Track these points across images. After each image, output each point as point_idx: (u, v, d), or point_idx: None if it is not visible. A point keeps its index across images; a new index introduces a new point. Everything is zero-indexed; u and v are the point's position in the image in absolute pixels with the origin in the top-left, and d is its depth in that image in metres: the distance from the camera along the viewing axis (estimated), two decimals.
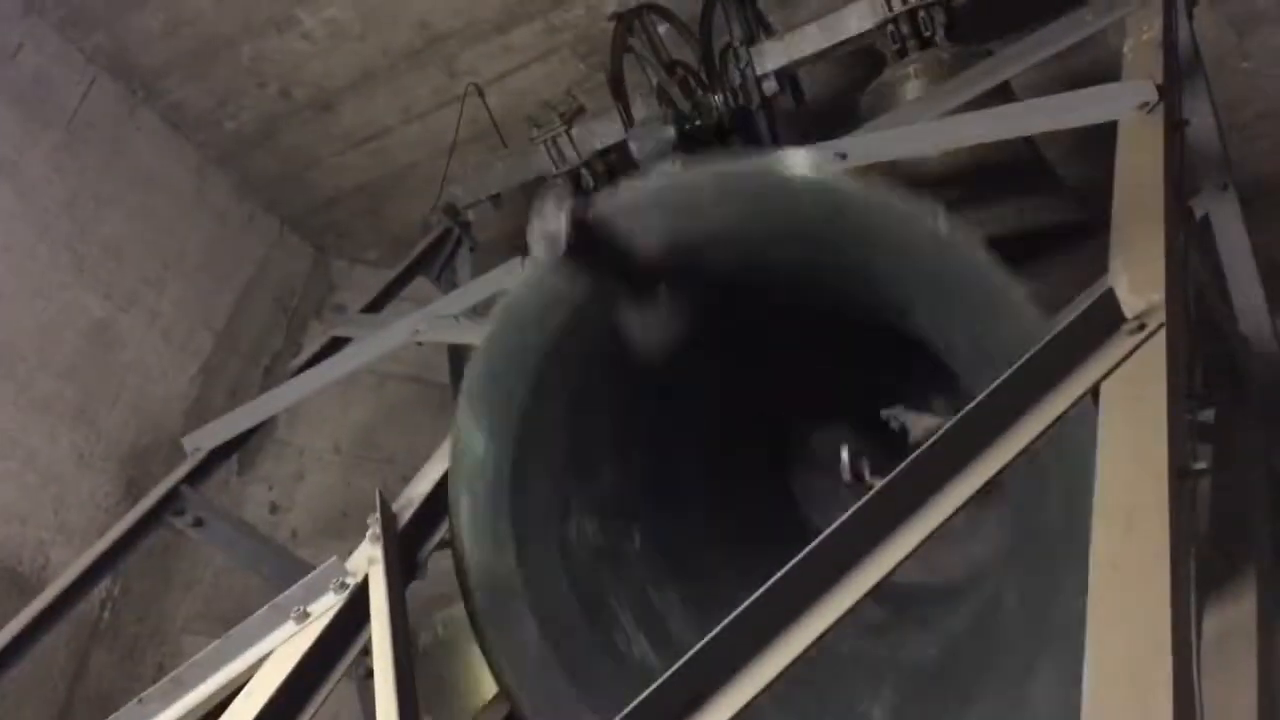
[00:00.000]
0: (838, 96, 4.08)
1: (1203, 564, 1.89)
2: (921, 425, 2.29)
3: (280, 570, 2.97)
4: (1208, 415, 2.56)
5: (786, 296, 2.14)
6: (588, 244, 1.84)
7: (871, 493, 1.44)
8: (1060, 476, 1.71)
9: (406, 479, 2.58)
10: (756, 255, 2.03)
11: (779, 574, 1.41)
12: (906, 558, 1.46)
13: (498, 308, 2.16)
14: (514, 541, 2.17)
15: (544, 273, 2.05)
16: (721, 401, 2.47)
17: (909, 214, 1.84)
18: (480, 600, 2.14)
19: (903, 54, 3.23)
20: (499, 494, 2.16)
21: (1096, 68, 3.37)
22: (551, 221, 1.85)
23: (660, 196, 2.05)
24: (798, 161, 1.96)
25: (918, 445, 2.25)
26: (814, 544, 1.41)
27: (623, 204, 2.04)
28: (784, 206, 1.97)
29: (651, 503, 2.38)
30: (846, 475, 2.29)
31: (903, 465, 1.46)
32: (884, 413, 2.31)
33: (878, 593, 1.44)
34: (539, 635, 2.14)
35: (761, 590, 1.40)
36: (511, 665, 2.13)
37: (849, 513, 1.45)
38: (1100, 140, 2.18)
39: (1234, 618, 1.81)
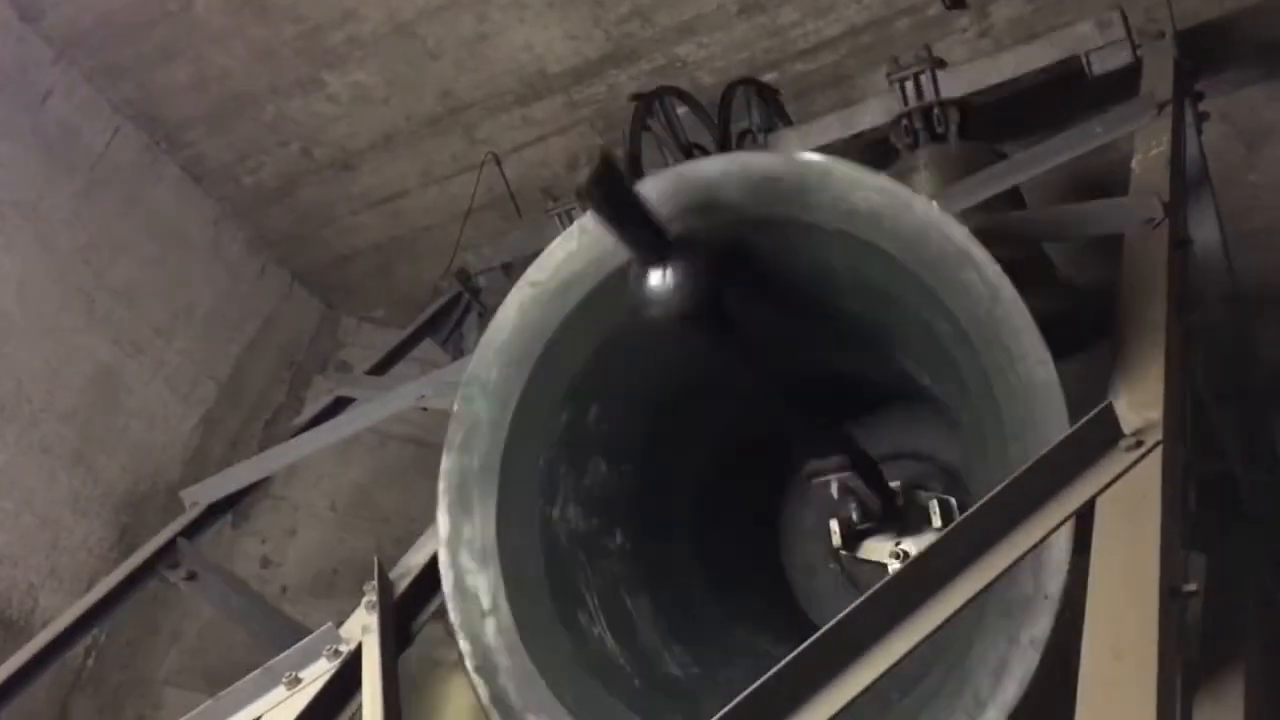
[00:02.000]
0: None
1: (1190, 681, 1.89)
2: (917, 500, 2.30)
3: (270, 629, 2.96)
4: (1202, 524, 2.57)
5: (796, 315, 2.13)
6: (607, 197, 1.78)
7: (865, 596, 1.45)
8: None
9: (401, 541, 2.58)
10: (774, 258, 2.01)
11: (780, 664, 1.41)
12: (898, 662, 1.46)
13: (524, 276, 2.14)
14: (497, 508, 2.14)
15: (568, 249, 2.05)
16: (721, 429, 2.47)
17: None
18: (454, 564, 2.09)
19: (914, 147, 3.29)
20: (491, 458, 2.13)
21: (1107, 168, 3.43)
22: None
23: (678, 182, 2.02)
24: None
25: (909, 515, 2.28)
26: (808, 643, 1.41)
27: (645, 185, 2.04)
28: (799, 198, 1.95)
29: (638, 508, 2.37)
30: (836, 540, 2.30)
31: (899, 570, 1.48)
32: (892, 484, 2.31)
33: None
34: (506, 603, 2.11)
35: (761, 681, 1.40)
36: (471, 630, 2.09)
37: (846, 612, 1.45)
38: (1110, 244, 2.23)
39: None
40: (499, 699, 2.01)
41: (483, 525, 2.09)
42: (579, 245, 2.04)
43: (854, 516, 2.21)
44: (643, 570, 2.34)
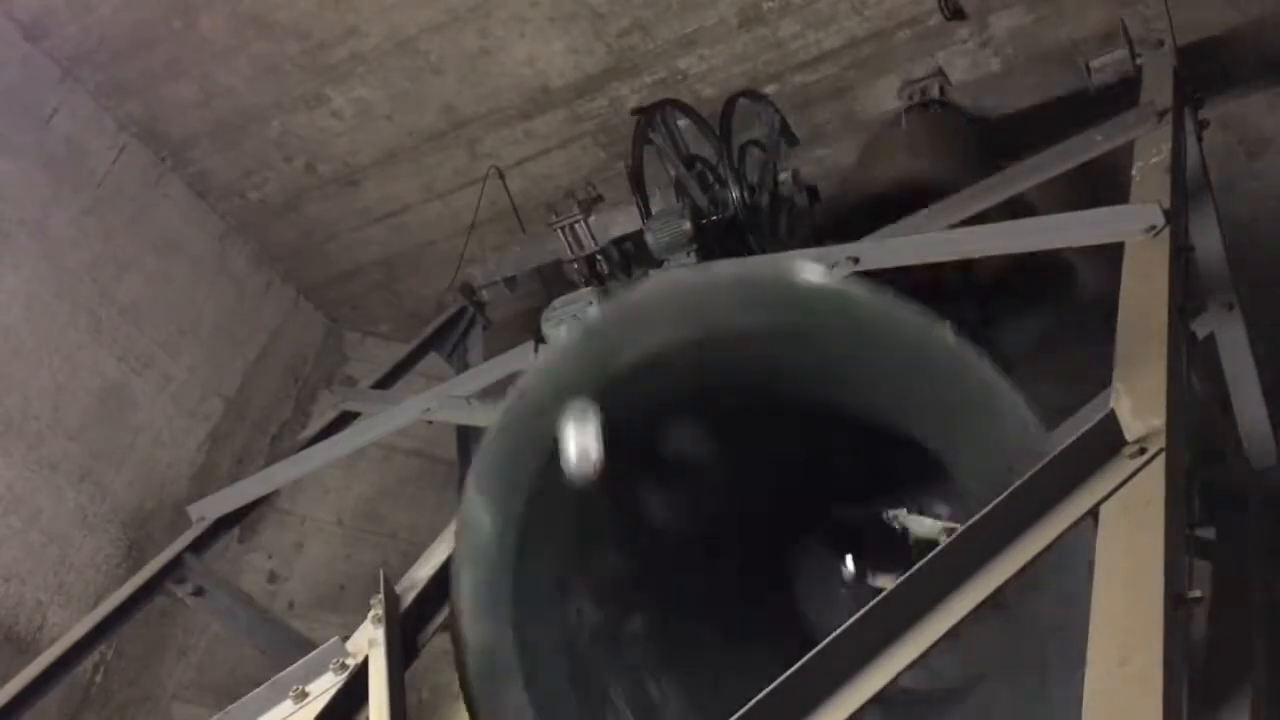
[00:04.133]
0: (854, 194, 4.15)
1: (1196, 690, 1.89)
2: (922, 528, 2.32)
3: (277, 644, 2.97)
4: (1208, 533, 2.57)
5: (795, 398, 2.17)
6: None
7: (871, 604, 1.45)
8: (1055, 577, 1.72)
9: (408, 554, 2.59)
10: (768, 356, 2.06)
11: (782, 677, 1.42)
12: (907, 668, 1.47)
13: (513, 389, 2.18)
14: (513, 618, 2.16)
15: (559, 358, 2.09)
16: (726, 496, 2.48)
17: (919, 325, 1.88)
18: (475, 676, 2.11)
19: None
20: (502, 571, 2.15)
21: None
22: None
23: (673, 294, 2.09)
24: (811, 267, 2.01)
25: (917, 547, 2.29)
26: (811, 654, 1.42)
27: (638, 298, 2.09)
28: (796, 309, 2.01)
29: (653, 590, 2.38)
30: (849, 574, 2.32)
31: (904, 577, 1.48)
32: (886, 515, 2.33)
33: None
34: (533, 715, 2.13)
35: (764, 693, 1.40)
36: None
37: (850, 622, 1.46)
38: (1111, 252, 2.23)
39: None
40: None
41: (500, 638, 2.11)
42: (563, 356, 2.09)
43: (868, 573, 2.24)
44: (663, 652, 2.37)
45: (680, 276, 2.12)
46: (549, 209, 3.83)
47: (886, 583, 2.26)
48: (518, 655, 2.14)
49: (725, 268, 2.14)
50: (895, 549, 2.31)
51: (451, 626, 2.18)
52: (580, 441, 1.94)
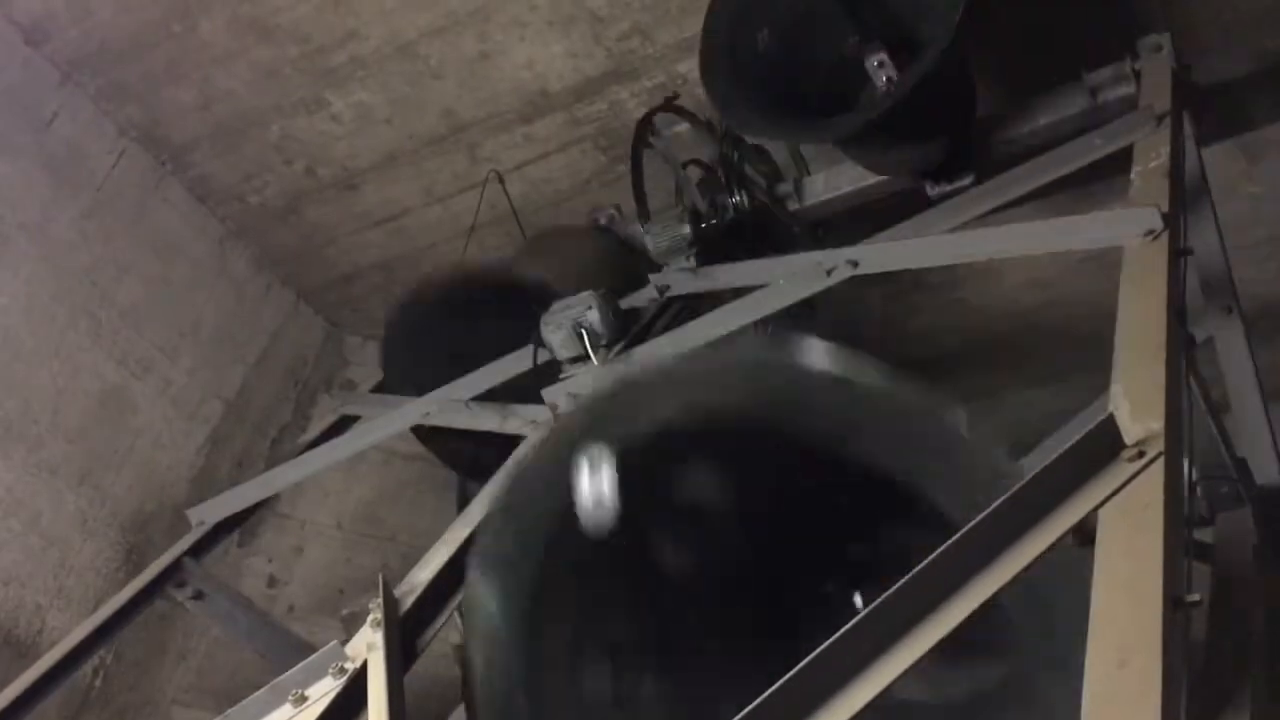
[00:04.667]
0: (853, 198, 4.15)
1: (1195, 693, 1.89)
2: None
3: (277, 647, 2.98)
4: (1207, 534, 2.58)
5: (793, 472, 2.16)
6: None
7: (868, 609, 1.45)
8: (1061, 600, 1.71)
9: (408, 558, 2.59)
10: (768, 431, 2.04)
11: (776, 684, 1.42)
12: (904, 673, 1.47)
13: (510, 467, 2.19)
14: (525, 688, 2.14)
15: (557, 440, 2.09)
16: (732, 560, 2.47)
17: (927, 412, 1.84)
18: None
19: None
20: (512, 648, 2.12)
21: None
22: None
23: (670, 376, 2.10)
24: (815, 354, 1.97)
25: None
26: (806, 661, 1.42)
27: (637, 377, 2.11)
28: (797, 395, 1.98)
29: (665, 653, 2.37)
30: None
31: (902, 582, 1.48)
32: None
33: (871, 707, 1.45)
34: None
35: (756, 702, 1.41)
36: None
37: (847, 627, 1.46)
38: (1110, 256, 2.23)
39: None
40: None
41: (513, 710, 2.10)
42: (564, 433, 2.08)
43: None
44: (678, 716, 2.35)
45: (679, 362, 2.11)
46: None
47: None
48: None
49: (723, 353, 2.16)
50: None
51: (465, 697, 2.16)
52: (595, 489, 1.94)
